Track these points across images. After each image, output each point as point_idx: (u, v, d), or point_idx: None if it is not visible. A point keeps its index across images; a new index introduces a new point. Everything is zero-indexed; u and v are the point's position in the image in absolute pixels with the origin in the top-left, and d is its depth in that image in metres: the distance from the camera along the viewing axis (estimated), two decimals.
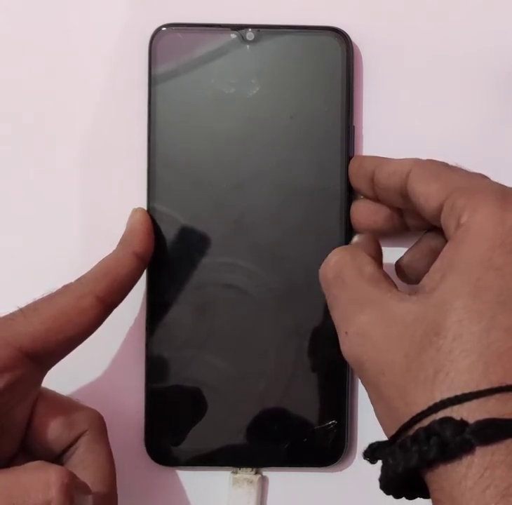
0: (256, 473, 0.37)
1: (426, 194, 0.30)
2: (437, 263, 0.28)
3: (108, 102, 0.38)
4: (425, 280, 0.29)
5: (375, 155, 0.36)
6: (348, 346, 0.29)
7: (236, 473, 0.37)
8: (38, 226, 0.38)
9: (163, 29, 0.36)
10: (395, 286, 0.30)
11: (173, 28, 0.36)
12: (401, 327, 0.27)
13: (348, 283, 0.30)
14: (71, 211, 0.38)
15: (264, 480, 0.38)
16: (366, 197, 0.36)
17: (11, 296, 0.31)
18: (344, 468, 0.38)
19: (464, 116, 0.37)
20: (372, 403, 0.29)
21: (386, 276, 0.30)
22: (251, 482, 0.37)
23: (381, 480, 0.28)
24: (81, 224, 0.38)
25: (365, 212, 0.35)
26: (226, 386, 0.37)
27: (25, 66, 0.38)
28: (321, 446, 0.37)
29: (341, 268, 0.31)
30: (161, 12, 0.37)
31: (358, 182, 0.35)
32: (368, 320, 0.28)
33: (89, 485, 0.30)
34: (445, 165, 0.31)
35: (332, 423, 0.37)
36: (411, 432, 0.26)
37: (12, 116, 0.38)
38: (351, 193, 0.36)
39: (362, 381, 0.29)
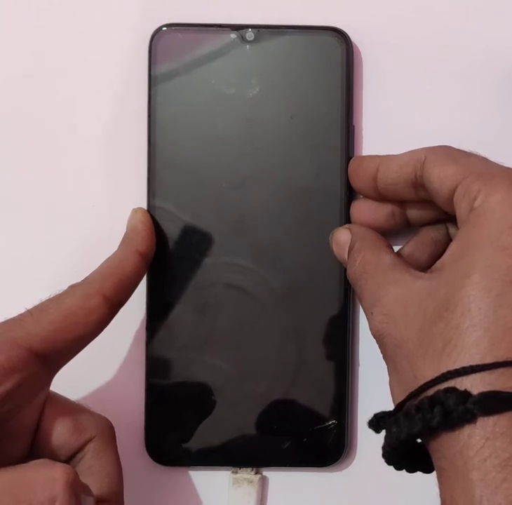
0: (256, 473, 0.37)
1: (443, 177, 0.31)
2: (452, 245, 0.30)
3: (108, 102, 0.38)
4: (440, 261, 0.30)
5: (374, 154, 0.36)
6: (373, 324, 0.31)
7: (236, 473, 0.37)
8: (39, 227, 0.38)
9: (163, 29, 0.36)
10: (411, 267, 0.31)
11: (173, 28, 0.36)
12: (417, 303, 0.29)
13: (372, 274, 0.32)
14: (71, 211, 0.38)
15: (264, 480, 0.38)
16: (367, 196, 0.36)
17: (16, 298, 0.32)
18: (344, 468, 0.38)
19: (464, 115, 0.37)
20: (388, 375, 0.30)
21: (402, 260, 0.32)
22: (251, 482, 0.37)
23: (383, 448, 0.29)
24: (81, 224, 0.38)
25: (365, 211, 0.36)
26: (226, 386, 0.37)
27: (24, 67, 0.38)
28: (321, 446, 0.37)
29: (364, 265, 0.32)
30: (161, 12, 0.37)
31: (358, 181, 0.35)
32: (389, 300, 0.30)
33: (96, 491, 0.30)
34: (460, 150, 0.32)
35: (332, 423, 0.37)
36: (416, 401, 0.27)
37: (11, 116, 0.38)
38: (351, 193, 0.36)
39: (383, 356, 0.30)
